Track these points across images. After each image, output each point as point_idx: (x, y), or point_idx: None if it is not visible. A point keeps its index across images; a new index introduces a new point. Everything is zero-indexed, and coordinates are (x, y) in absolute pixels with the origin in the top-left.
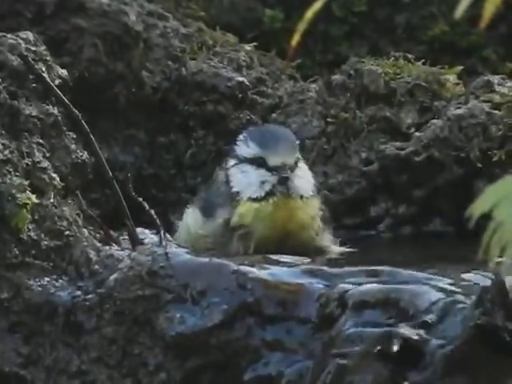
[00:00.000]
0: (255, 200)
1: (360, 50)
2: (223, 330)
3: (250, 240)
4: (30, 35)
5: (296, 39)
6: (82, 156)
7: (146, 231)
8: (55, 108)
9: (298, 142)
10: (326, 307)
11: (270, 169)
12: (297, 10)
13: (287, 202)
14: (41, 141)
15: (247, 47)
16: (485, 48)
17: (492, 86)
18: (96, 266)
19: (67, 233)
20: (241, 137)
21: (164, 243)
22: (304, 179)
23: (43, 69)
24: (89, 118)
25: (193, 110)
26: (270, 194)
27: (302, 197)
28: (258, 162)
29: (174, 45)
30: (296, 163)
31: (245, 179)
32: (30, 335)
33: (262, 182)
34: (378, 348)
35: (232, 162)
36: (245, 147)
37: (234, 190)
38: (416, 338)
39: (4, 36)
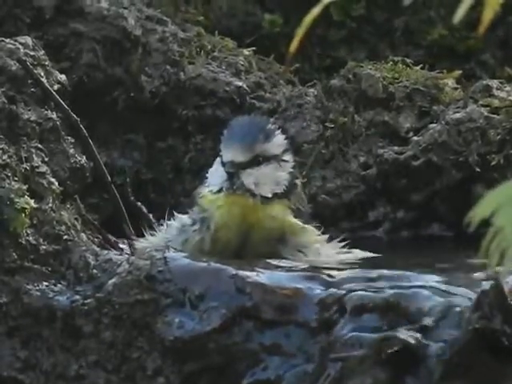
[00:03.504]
0: (212, 192)
1: (358, 54)
2: (222, 334)
3: (209, 222)
4: (28, 40)
5: (295, 45)
6: (80, 161)
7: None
8: (54, 113)
9: (279, 138)
10: (325, 311)
11: (223, 164)
12: (296, 14)
13: (237, 199)
14: (39, 145)
15: (246, 52)
16: (483, 52)
17: (491, 91)
18: (94, 271)
19: (66, 237)
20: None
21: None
22: (266, 178)
23: (42, 73)
24: (87, 122)
25: (191, 115)
26: (221, 189)
27: (254, 195)
28: (221, 157)
29: (172, 49)
30: (254, 161)
31: (213, 173)
32: (28, 339)
33: (220, 177)
34: (377, 352)
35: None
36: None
37: (208, 178)
38: (414, 342)
39: (2, 41)
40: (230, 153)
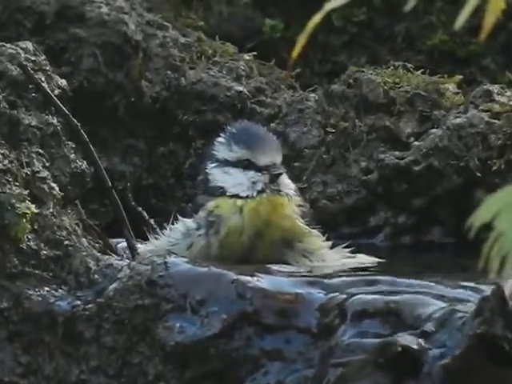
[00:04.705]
0: (241, 197)
1: (359, 59)
2: (222, 339)
3: (219, 226)
4: (29, 45)
5: (297, 51)
6: (81, 166)
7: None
8: (54, 118)
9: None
10: (326, 317)
11: (259, 169)
12: (296, 19)
13: (274, 199)
14: (40, 150)
15: (246, 57)
16: (484, 57)
17: (491, 96)
18: (95, 276)
19: (66, 242)
20: (220, 140)
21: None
22: (286, 179)
23: (42, 78)
24: (88, 127)
25: (192, 120)
26: (261, 192)
27: (287, 194)
28: (244, 164)
29: (173, 54)
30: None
31: (231, 180)
32: (29, 345)
33: (253, 183)
34: (378, 357)
35: (212, 164)
36: (226, 150)
37: (218, 184)
38: (415, 347)
39: (3, 46)
40: (268, 156)
